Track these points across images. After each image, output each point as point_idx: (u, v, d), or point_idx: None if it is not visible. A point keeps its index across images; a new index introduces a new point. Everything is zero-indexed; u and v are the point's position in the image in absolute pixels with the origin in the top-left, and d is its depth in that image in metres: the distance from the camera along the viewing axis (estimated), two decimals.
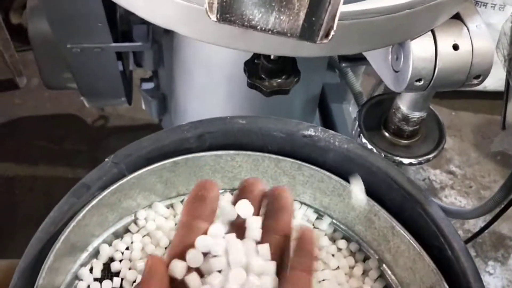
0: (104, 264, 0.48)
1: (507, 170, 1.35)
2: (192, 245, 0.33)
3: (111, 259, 0.48)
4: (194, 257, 0.32)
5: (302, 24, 0.32)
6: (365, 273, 0.50)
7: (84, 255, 0.47)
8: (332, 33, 0.32)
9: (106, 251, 0.48)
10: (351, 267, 0.50)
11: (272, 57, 0.53)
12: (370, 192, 0.48)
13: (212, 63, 0.68)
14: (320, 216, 0.52)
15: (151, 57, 0.88)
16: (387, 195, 0.49)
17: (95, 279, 0.46)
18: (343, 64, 0.84)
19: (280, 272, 0.33)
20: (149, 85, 0.99)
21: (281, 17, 0.32)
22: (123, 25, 0.85)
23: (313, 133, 0.50)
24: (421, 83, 0.49)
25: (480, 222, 1.31)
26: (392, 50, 0.51)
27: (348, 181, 0.49)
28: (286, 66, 0.54)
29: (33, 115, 1.48)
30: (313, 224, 0.52)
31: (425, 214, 0.47)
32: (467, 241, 0.92)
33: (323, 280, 0.48)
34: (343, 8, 0.38)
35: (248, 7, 0.32)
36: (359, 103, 0.90)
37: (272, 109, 0.70)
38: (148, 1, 0.42)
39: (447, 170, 1.44)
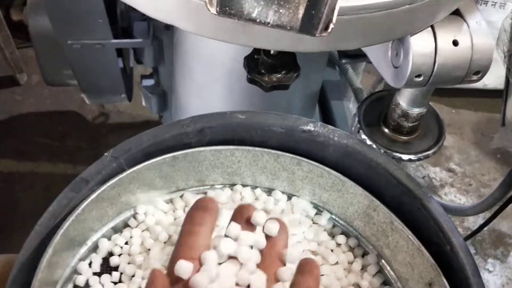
0: (103, 259, 0.48)
1: (507, 168, 1.35)
2: (194, 250, 0.35)
3: (110, 254, 0.48)
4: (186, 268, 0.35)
5: (301, 17, 0.32)
6: (363, 268, 0.50)
7: (83, 250, 0.47)
8: (332, 26, 0.33)
9: (105, 246, 0.48)
10: (350, 262, 0.50)
11: (272, 52, 0.53)
12: (369, 187, 0.48)
13: (212, 59, 0.68)
14: (319, 211, 0.52)
15: (151, 53, 0.88)
16: (386, 190, 0.49)
17: (94, 273, 0.46)
18: (343, 61, 0.85)
19: None
20: (150, 82, 1.00)
21: (281, 10, 0.32)
22: (124, 21, 0.85)
23: (312, 128, 0.50)
24: (421, 79, 0.49)
25: (479, 220, 1.31)
26: (391, 46, 0.51)
27: (347, 176, 0.49)
28: (286, 61, 0.54)
29: (34, 112, 1.48)
30: (312, 219, 0.52)
31: (424, 210, 0.47)
32: (466, 238, 0.92)
33: (322, 275, 0.48)
34: (343, 3, 0.39)
35: (247, 0, 0.32)
36: (359, 100, 0.90)
37: (272, 104, 0.70)
38: None
39: (447, 168, 1.45)
